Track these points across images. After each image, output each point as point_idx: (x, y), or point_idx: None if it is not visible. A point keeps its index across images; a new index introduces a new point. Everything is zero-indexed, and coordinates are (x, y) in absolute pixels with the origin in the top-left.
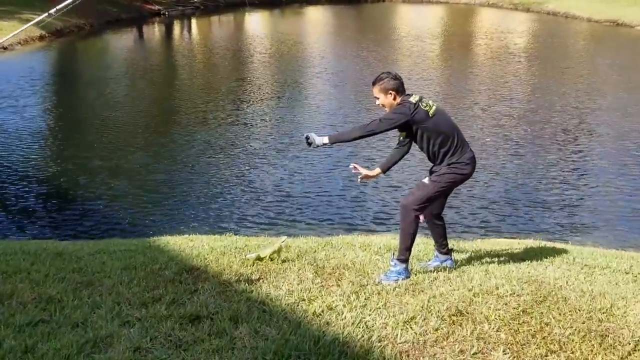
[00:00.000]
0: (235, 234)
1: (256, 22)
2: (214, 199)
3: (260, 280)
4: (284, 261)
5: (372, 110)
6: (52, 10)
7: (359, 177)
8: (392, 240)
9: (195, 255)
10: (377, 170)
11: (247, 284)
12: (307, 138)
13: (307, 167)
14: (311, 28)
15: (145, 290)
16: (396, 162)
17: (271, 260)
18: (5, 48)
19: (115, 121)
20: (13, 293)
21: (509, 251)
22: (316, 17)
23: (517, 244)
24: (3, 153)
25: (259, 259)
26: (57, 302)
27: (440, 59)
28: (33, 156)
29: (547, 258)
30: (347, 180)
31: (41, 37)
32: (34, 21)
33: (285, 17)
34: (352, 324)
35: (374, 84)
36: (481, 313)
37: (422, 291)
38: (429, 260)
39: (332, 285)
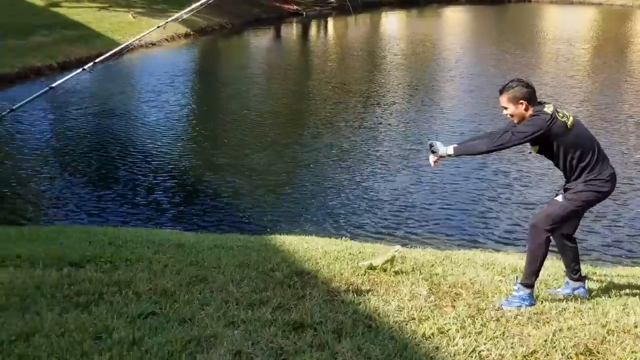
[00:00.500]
0: (352, 239)
1: (393, 22)
2: (333, 201)
3: (370, 292)
4: (397, 273)
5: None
6: (184, 12)
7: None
8: (519, 260)
9: (307, 258)
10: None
11: (355, 295)
12: (432, 146)
13: (432, 176)
14: (449, 29)
15: (254, 291)
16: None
17: (384, 270)
18: (153, 44)
19: (246, 119)
20: (131, 282)
21: None
22: (455, 18)
23: None
24: (139, 145)
25: (372, 267)
26: (170, 295)
27: (590, 66)
28: (166, 150)
29: None
30: (473, 193)
31: (186, 35)
32: (156, 27)
33: (422, 17)
34: (464, 352)
35: (501, 92)
36: (614, 354)
37: (548, 322)
38: (559, 287)
39: (447, 305)
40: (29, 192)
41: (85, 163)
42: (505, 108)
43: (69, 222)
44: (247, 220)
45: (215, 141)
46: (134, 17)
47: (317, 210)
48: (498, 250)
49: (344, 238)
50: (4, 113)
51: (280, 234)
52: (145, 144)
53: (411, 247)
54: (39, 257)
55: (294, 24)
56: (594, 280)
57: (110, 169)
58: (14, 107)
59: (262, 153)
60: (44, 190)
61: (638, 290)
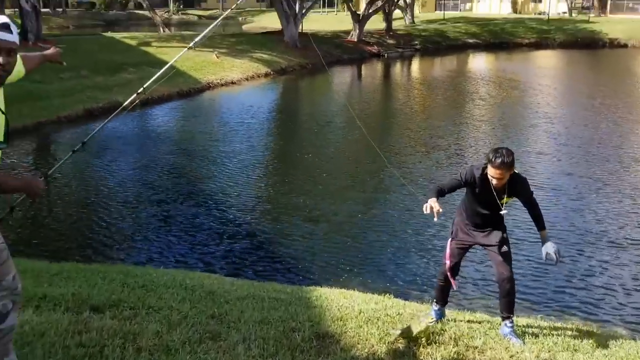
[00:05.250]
0: (396, 297)
1: (479, 64)
2: (388, 255)
3: None
4: (430, 343)
5: (603, 179)
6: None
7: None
8: (573, 340)
9: (337, 317)
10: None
11: None
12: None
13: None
14: (538, 72)
15: (262, 355)
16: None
17: (416, 340)
18: (233, 82)
19: (316, 161)
20: (139, 335)
21: None
22: (545, 62)
23: None
24: (205, 183)
25: (403, 336)
26: (172, 354)
27: None
28: (231, 189)
29: None
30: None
31: (266, 74)
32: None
33: (511, 60)
34: None
35: (511, 165)
36: None
37: None
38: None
39: None
40: (85, 228)
41: (146, 199)
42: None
43: (120, 262)
44: (295, 269)
45: (289, 184)
46: (217, 57)
47: (372, 262)
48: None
49: (387, 295)
50: (76, 148)
51: (321, 286)
52: (212, 183)
53: (459, 309)
54: (64, 299)
55: (375, 65)
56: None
57: (169, 207)
58: (85, 140)
59: (328, 198)
60: (100, 226)
61: None
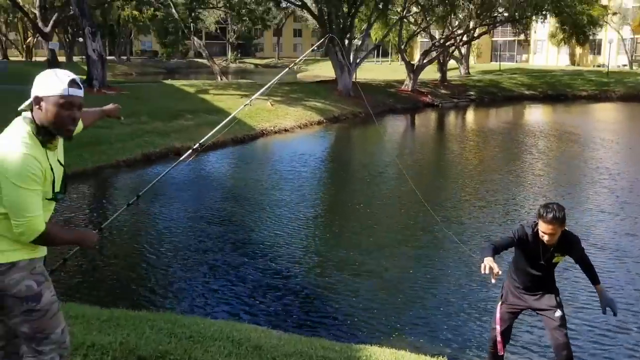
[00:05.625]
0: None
1: (536, 115)
2: (448, 314)
3: None
4: None
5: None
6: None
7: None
8: None
9: None
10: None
11: None
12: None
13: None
14: (598, 126)
15: None
16: None
17: None
18: (287, 130)
19: (374, 214)
20: None
21: None
22: (605, 115)
23: None
24: (261, 229)
25: None
26: None
27: None
28: (286, 239)
29: None
30: None
31: (319, 122)
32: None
33: (569, 112)
34: None
35: (563, 221)
36: None
37: None
38: None
39: None
40: (134, 273)
41: (194, 246)
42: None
43: (168, 309)
44: (344, 325)
45: (330, 232)
46: (272, 105)
47: (424, 322)
48: None
49: (440, 358)
50: (130, 202)
51: (371, 345)
52: (261, 232)
53: None
54: (112, 348)
55: (429, 115)
56: None
57: (216, 255)
58: (139, 194)
59: (378, 252)
60: (149, 272)
61: None
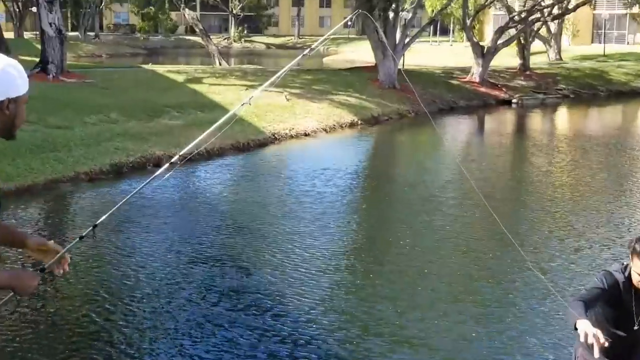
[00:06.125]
0: None
1: None
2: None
3: None
4: None
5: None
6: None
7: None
8: None
9: None
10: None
11: None
12: None
13: None
14: None
15: None
16: None
17: None
18: (307, 134)
19: (427, 254)
20: None
21: None
22: None
23: None
24: (264, 272)
25: None
26: None
27: None
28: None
29: None
30: None
31: (352, 124)
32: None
33: None
34: None
35: None
36: None
37: None
38: None
39: None
40: (93, 325)
41: (174, 290)
42: None
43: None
44: None
45: (363, 278)
46: (287, 100)
47: None
48: None
49: None
50: (84, 233)
51: None
52: (263, 276)
53: None
54: None
55: (504, 116)
56: None
57: (202, 304)
58: (96, 223)
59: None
60: (112, 324)
61: None
